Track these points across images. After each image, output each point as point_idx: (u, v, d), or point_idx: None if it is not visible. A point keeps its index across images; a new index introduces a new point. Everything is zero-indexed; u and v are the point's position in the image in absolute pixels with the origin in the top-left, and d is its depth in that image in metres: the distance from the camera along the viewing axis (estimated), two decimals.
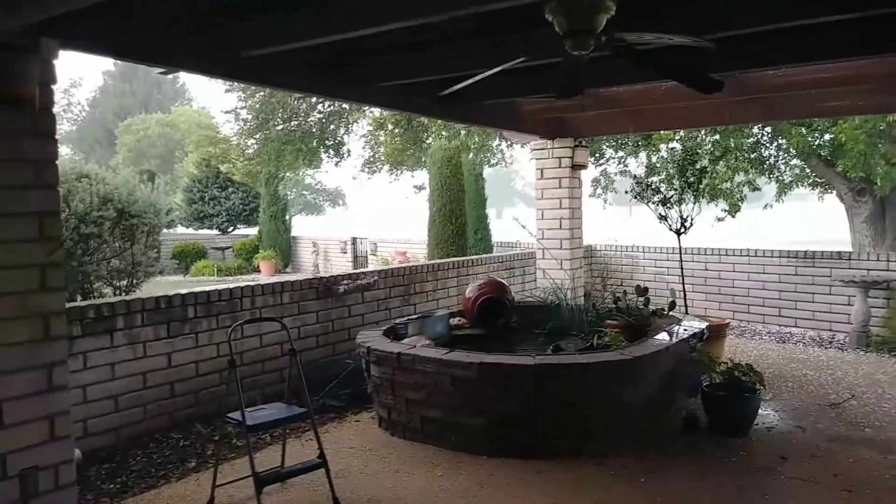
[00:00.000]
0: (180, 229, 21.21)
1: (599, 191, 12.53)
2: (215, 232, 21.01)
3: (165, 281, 14.56)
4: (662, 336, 5.11)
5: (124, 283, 8.42)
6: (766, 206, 11.59)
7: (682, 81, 3.69)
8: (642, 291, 5.81)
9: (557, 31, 3.02)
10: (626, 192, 8.40)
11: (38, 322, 3.07)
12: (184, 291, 5.21)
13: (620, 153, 11.55)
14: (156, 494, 3.95)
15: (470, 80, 3.94)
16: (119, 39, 3.51)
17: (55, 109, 3.30)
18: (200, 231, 21.19)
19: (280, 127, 14.03)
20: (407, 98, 5.52)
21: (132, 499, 3.90)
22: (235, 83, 12.74)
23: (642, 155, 10.86)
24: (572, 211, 7.66)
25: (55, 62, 3.17)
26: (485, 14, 3.32)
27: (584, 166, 7.73)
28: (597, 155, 11.66)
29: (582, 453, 4.33)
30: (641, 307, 5.63)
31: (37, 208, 3.08)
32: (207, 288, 5.39)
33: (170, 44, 3.75)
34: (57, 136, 3.28)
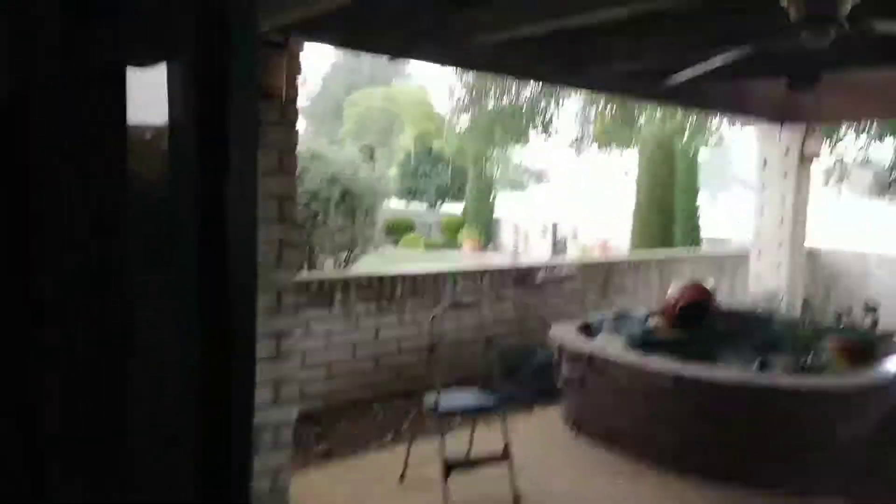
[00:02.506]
0: (392, 202, 22.56)
1: (833, 181, 11.28)
2: (424, 206, 22.10)
3: (378, 253, 15.60)
4: (894, 364, 4.54)
5: (344, 256, 9.19)
6: None
7: None
8: (870, 308, 5.19)
9: (793, 18, 2.70)
10: (868, 185, 7.49)
11: (273, 295, 3.40)
12: (393, 272, 5.59)
13: (862, 139, 10.27)
14: (356, 461, 4.34)
15: (693, 72, 3.73)
16: (354, 33, 3.71)
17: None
18: (411, 205, 22.41)
19: (492, 104, 14.28)
20: (626, 83, 5.30)
21: (336, 462, 4.32)
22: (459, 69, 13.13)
23: (889, 141, 9.56)
24: (796, 209, 6.94)
25: (300, 55, 3.45)
26: None
27: (816, 156, 6.95)
28: (831, 140, 10.45)
29: (783, 485, 4.01)
30: (869, 326, 5.04)
31: (277, 192, 3.39)
32: (414, 270, 5.74)
33: (399, 34, 3.86)
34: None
